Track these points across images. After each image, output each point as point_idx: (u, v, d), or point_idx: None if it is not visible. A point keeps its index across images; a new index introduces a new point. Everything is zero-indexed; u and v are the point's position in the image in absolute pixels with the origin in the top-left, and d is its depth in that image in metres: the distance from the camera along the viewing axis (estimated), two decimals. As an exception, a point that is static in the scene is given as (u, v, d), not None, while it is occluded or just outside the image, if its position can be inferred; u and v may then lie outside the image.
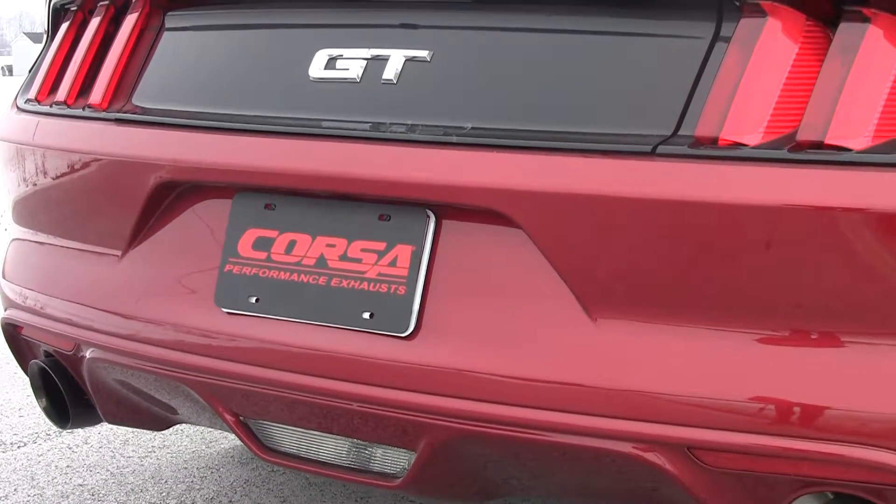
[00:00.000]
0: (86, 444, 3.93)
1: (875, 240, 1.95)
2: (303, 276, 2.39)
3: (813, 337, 2.02)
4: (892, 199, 1.94)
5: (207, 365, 2.50)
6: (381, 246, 2.33)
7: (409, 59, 2.36)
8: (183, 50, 2.74)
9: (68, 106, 2.80)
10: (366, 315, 2.32)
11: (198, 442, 3.94)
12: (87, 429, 4.03)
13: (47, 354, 2.89)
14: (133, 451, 3.87)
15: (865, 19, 2.01)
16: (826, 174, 1.97)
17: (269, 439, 2.59)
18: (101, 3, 2.85)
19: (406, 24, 2.42)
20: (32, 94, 2.92)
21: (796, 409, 2.00)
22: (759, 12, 2.07)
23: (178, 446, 3.91)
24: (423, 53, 2.36)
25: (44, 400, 2.94)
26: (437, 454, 2.31)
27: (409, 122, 2.32)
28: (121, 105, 2.72)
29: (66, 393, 2.88)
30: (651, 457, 2.12)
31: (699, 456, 2.09)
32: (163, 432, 4.00)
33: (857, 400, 1.98)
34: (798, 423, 2.00)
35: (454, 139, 2.25)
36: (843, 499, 2.06)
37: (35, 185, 2.83)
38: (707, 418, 2.05)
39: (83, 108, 2.76)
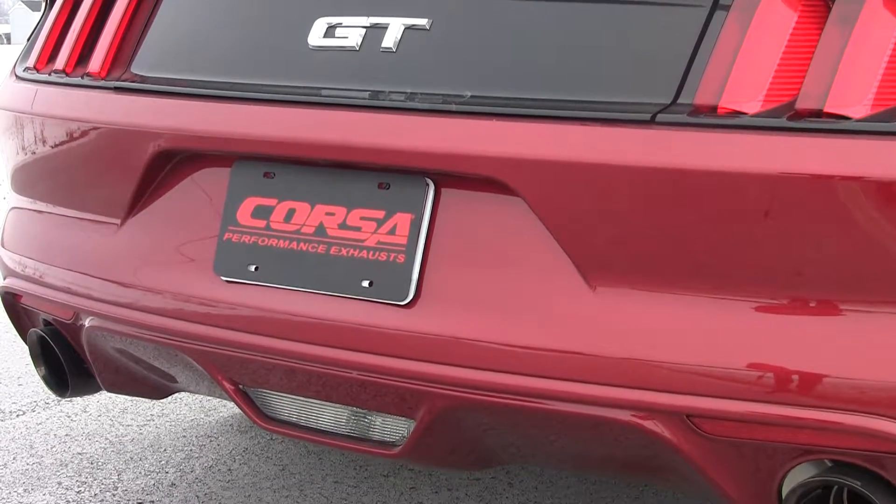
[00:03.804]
0: (84, 412, 3.94)
1: (873, 208, 1.95)
2: (302, 244, 2.39)
3: (811, 305, 2.03)
4: (890, 167, 1.93)
5: (206, 333, 2.50)
6: (381, 214, 2.33)
7: (408, 28, 2.36)
8: (182, 18, 2.73)
9: (67, 74, 2.80)
10: (365, 283, 2.32)
11: (196, 410, 3.95)
12: (86, 397, 4.03)
13: (46, 323, 2.89)
14: (132, 419, 3.88)
15: (865, -13, 2.01)
16: (825, 142, 1.97)
17: (268, 407, 2.60)
18: (100, -29, 2.84)
19: (405, -8, 2.41)
20: (31, 62, 2.91)
21: (795, 377, 2.01)
22: (759, -20, 2.07)
23: (177, 415, 3.92)
24: (423, 21, 2.35)
25: (43, 368, 2.94)
26: (436, 422, 2.31)
27: (409, 90, 2.32)
28: (120, 73, 2.72)
29: (65, 361, 2.88)
30: (650, 425, 2.12)
31: (698, 424, 2.10)
32: (161, 401, 4.01)
33: (855, 368, 1.98)
34: (797, 391, 2.00)
35: (453, 107, 2.25)
36: (841, 467, 2.07)
37: (34, 153, 2.83)
38: (706, 386, 2.05)
39: (82, 77, 2.75)
